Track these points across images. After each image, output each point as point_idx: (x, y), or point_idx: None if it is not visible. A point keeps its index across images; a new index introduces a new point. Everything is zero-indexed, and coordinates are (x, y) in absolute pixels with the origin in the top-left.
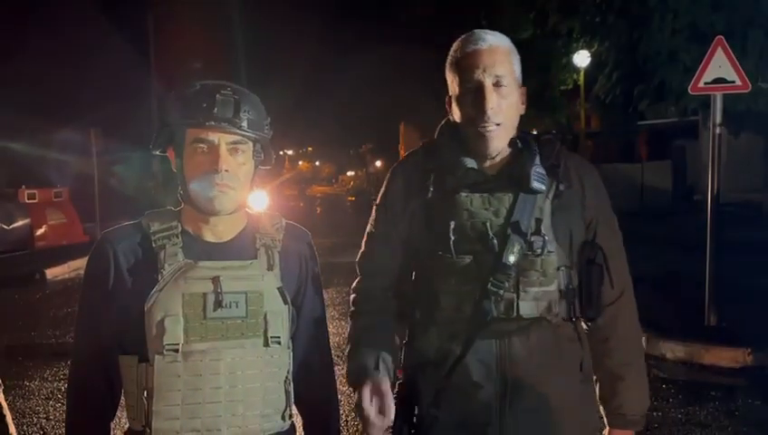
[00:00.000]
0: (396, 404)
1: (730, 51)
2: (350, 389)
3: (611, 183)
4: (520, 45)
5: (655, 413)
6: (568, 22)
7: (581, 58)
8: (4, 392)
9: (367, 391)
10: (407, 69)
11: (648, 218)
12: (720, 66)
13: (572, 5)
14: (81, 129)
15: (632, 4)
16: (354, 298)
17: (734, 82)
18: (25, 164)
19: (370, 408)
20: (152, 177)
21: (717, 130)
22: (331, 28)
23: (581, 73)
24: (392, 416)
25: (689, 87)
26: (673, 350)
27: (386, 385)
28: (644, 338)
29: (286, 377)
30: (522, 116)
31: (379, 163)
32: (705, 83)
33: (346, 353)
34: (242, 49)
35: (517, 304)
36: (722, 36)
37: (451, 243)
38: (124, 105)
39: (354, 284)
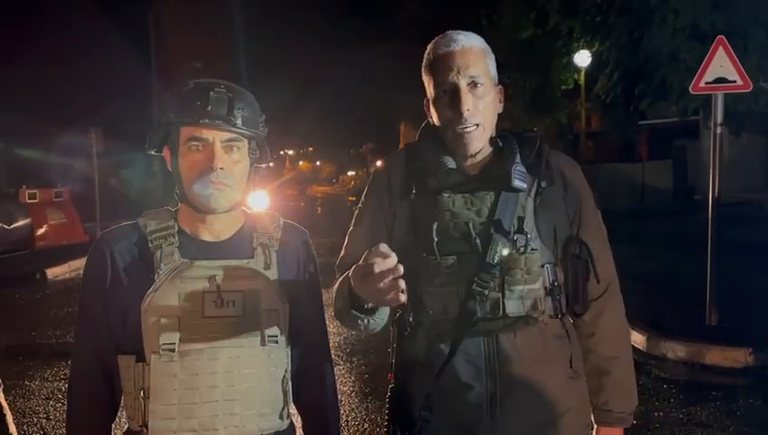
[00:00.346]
0: (388, 408)
1: (731, 50)
2: (350, 387)
3: (612, 183)
4: (521, 45)
5: (656, 413)
6: (568, 21)
7: (582, 58)
8: (4, 392)
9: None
10: (407, 69)
11: (649, 218)
12: (721, 66)
13: (573, 5)
14: (84, 130)
15: (633, 3)
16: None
17: (735, 81)
18: (28, 167)
19: (370, 253)
20: (153, 176)
21: (718, 130)
22: (332, 28)
23: (582, 73)
24: (395, 257)
25: (690, 86)
26: (674, 350)
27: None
28: (645, 337)
29: (284, 376)
30: (522, 116)
31: (379, 163)
32: (707, 83)
33: (333, 296)
34: (242, 49)
35: (503, 302)
36: (723, 36)
37: (434, 244)
38: (127, 106)
39: (335, 284)
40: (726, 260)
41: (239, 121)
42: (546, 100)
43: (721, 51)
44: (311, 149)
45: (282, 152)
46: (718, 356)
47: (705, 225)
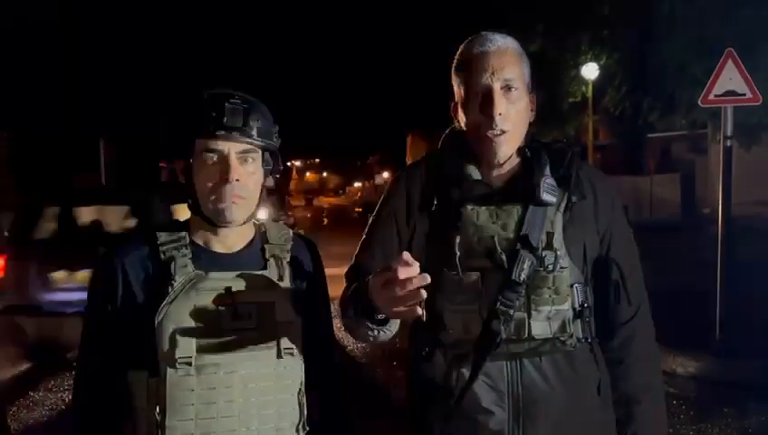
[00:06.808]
0: None
1: (741, 63)
2: (354, 401)
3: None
4: (528, 57)
5: None
6: (576, 35)
7: (590, 70)
8: (7, 402)
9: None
10: (413, 80)
11: (657, 231)
12: (731, 78)
13: (581, 18)
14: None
15: (641, 16)
16: (341, 301)
17: (744, 94)
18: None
19: (392, 261)
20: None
21: (728, 143)
22: (341, 37)
23: (589, 86)
24: (418, 266)
25: (699, 99)
26: (684, 365)
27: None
28: None
29: (300, 389)
30: (530, 128)
31: (386, 174)
32: (716, 96)
33: (341, 313)
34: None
35: (528, 323)
36: (732, 49)
37: (457, 259)
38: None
39: (341, 293)
40: (737, 274)
41: (255, 133)
42: (554, 112)
43: (730, 63)
44: (317, 160)
45: (289, 163)
46: (729, 372)
47: (714, 238)
